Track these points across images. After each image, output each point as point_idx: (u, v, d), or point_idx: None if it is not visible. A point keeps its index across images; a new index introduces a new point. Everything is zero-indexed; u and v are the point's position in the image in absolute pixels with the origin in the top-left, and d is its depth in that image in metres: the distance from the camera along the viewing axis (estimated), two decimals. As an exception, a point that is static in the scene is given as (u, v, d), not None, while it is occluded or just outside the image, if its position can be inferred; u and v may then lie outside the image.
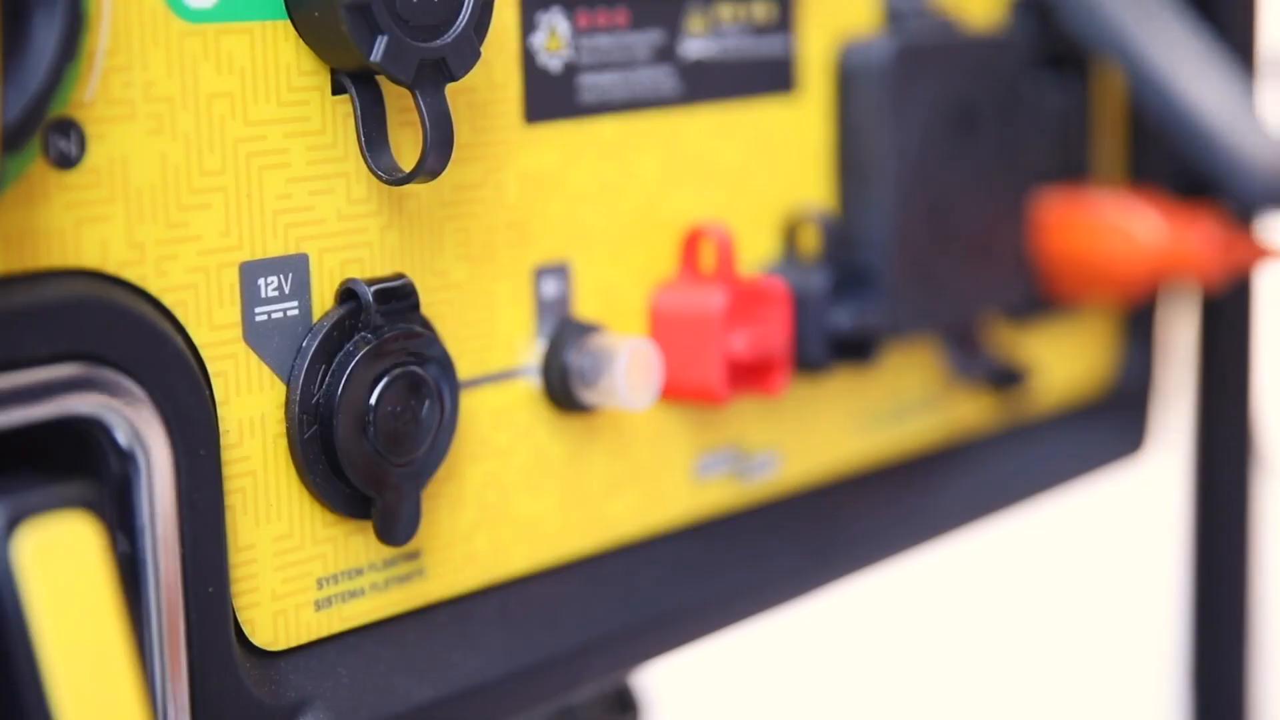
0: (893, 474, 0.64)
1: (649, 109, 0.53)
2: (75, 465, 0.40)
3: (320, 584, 0.46)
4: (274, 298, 0.44)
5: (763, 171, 0.57)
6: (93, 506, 0.38)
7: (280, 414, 0.44)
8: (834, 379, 0.61)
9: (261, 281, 0.44)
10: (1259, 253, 0.69)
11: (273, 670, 0.45)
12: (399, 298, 0.46)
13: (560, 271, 0.51)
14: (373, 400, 0.45)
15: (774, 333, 0.54)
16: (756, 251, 0.57)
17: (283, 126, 0.44)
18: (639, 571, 0.54)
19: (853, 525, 0.61)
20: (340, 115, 0.45)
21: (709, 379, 0.53)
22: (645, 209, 0.54)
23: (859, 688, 1.78)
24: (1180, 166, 0.76)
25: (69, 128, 0.39)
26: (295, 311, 0.45)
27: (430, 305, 0.48)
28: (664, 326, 0.54)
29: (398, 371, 0.45)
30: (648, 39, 0.53)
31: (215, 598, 0.43)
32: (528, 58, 0.50)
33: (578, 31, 0.51)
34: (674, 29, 0.54)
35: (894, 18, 0.61)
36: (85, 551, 0.38)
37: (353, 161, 0.45)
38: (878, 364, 0.60)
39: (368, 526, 0.47)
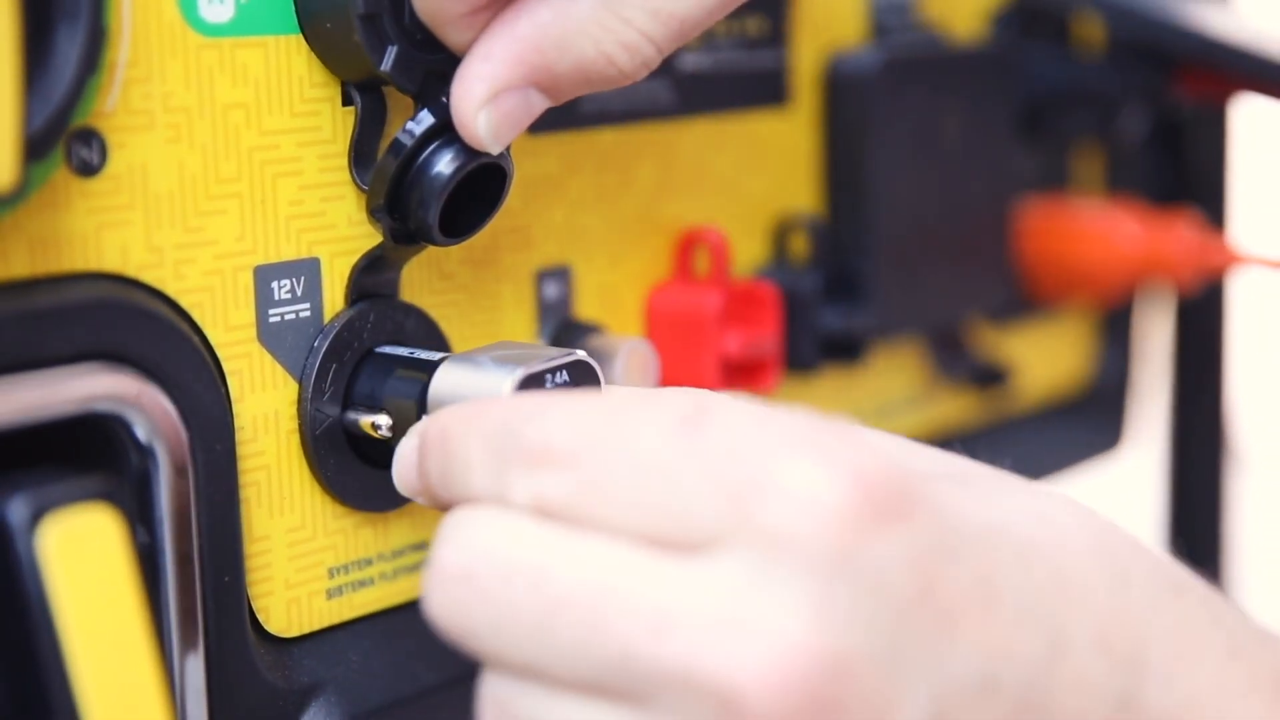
0: (880, 469, 0.64)
1: (646, 120, 0.53)
2: (97, 460, 0.41)
3: (331, 573, 0.46)
4: (287, 299, 0.44)
5: (755, 179, 0.57)
6: (113, 499, 0.38)
7: (293, 410, 0.45)
8: (823, 378, 0.61)
9: (275, 284, 0.44)
10: (1231, 257, 0.69)
11: (286, 656, 0.45)
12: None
13: (561, 274, 0.51)
14: None
15: (765, 333, 0.54)
16: (749, 256, 0.57)
17: (295, 136, 0.44)
18: (637, 562, 0.54)
19: (842, 518, 0.61)
20: (350, 126, 0.45)
21: (703, 378, 0.53)
22: (643, 215, 0.54)
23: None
24: (1158, 175, 0.76)
25: (91, 137, 0.40)
26: (307, 313, 0.45)
27: (436, 306, 0.48)
28: (660, 327, 0.54)
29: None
30: (645, 52, 0.53)
31: (231, 586, 0.43)
32: (530, 70, 0.50)
33: (578, 45, 0.51)
34: (670, 43, 0.54)
35: (881, 31, 0.61)
36: (106, 542, 0.38)
37: (362, 169, 0.45)
38: (866, 364, 0.60)
39: (377, 518, 0.47)
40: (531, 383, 0.42)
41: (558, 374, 0.42)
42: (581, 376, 0.43)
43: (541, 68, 0.41)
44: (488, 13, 0.41)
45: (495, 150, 0.42)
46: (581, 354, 0.43)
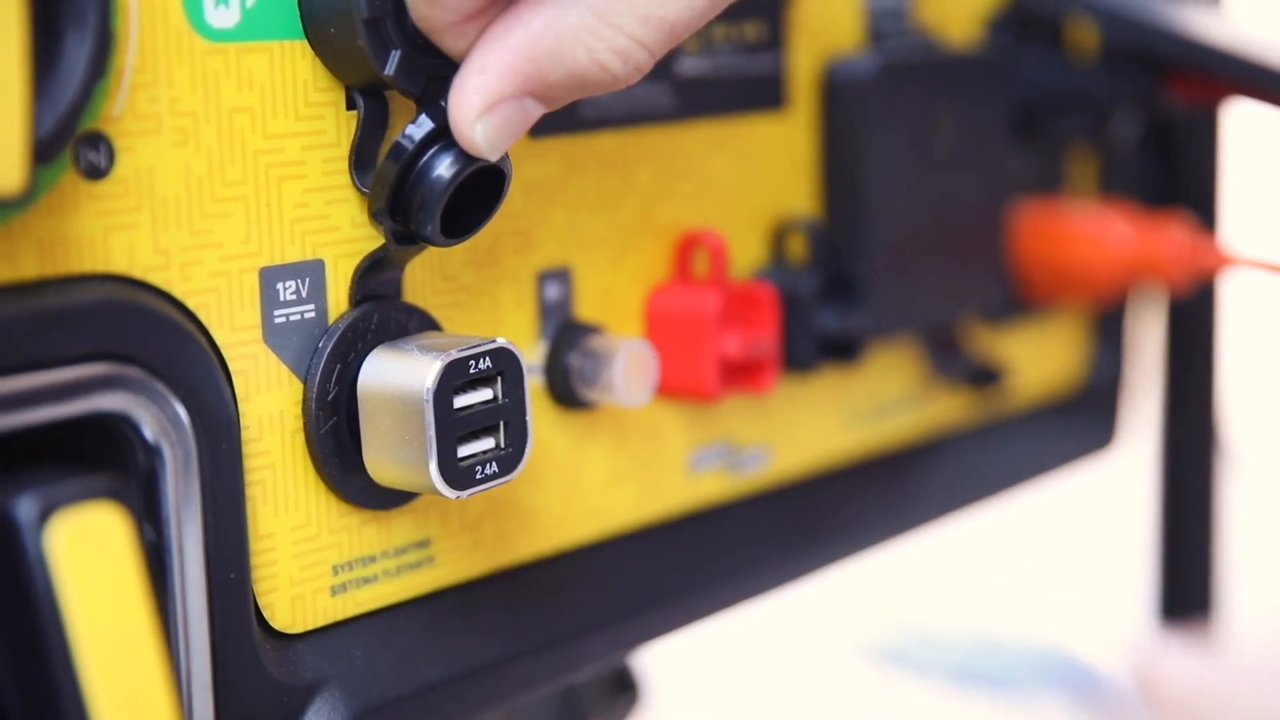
0: (876, 467, 0.64)
1: (646, 123, 0.53)
2: (104, 459, 0.41)
3: (336, 570, 0.46)
4: (292, 301, 0.44)
5: (753, 182, 0.58)
6: (121, 498, 0.38)
7: (298, 410, 0.45)
8: (821, 378, 0.61)
9: (280, 285, 0.44)
10: (1222, 259, 0.69)
11: (291, 652, 0.45)
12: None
13: (562, 276, 0.51)
14: None
15: (764, 334, 0.54)
16: (747, 257, 0.58)
17: (300, 139, 0.44)
18: (636, 559, 0.54)
19: (838, 515, 0.61)
20: (353, 129, 0.45)
21: (703, 378, 0.53)
22: (642, 217, 0.54)
23: (840, 668, 1.79)
24: (1150, 178, 0.76)
25: (98, 141, 0.40)
26: (312, 314, 0.45)
27: (439, 307, 0.48)
28: (660, 328, 0.54)
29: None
30: (645, 57, 0.53)
31: (236, 583, 0.43)
32: (531, 74, 0.50)
33: (578, 50, 0.51)
34: (669, 47, 0.54)
35: (877, 37, 0.61)
36: (114, 540, 0.38)
37: (366, 172, 0.45)
38: (862, 363, 0.61)
39: (381, 516, 0.47)
40: (455, 369, 0.43)
41: (480, 360, 0.44)
42: (503, 363, 0.44)
43: (535, 77, 0.41)
44: (482, 19, 0.42)
45: (493, 159, 0.43)
46: (503, 341, 0.44)
